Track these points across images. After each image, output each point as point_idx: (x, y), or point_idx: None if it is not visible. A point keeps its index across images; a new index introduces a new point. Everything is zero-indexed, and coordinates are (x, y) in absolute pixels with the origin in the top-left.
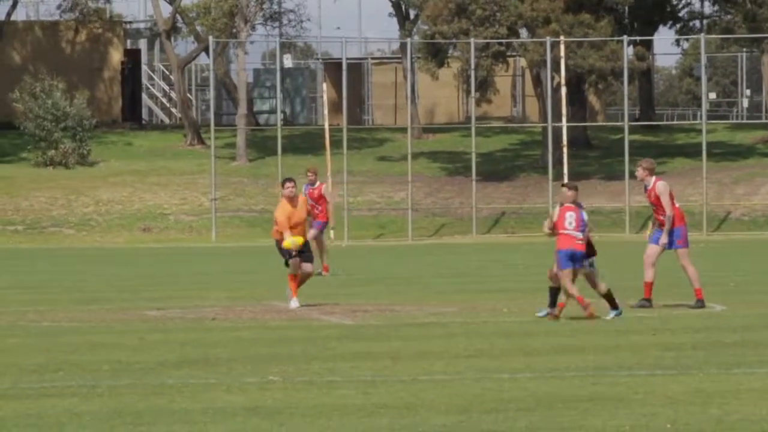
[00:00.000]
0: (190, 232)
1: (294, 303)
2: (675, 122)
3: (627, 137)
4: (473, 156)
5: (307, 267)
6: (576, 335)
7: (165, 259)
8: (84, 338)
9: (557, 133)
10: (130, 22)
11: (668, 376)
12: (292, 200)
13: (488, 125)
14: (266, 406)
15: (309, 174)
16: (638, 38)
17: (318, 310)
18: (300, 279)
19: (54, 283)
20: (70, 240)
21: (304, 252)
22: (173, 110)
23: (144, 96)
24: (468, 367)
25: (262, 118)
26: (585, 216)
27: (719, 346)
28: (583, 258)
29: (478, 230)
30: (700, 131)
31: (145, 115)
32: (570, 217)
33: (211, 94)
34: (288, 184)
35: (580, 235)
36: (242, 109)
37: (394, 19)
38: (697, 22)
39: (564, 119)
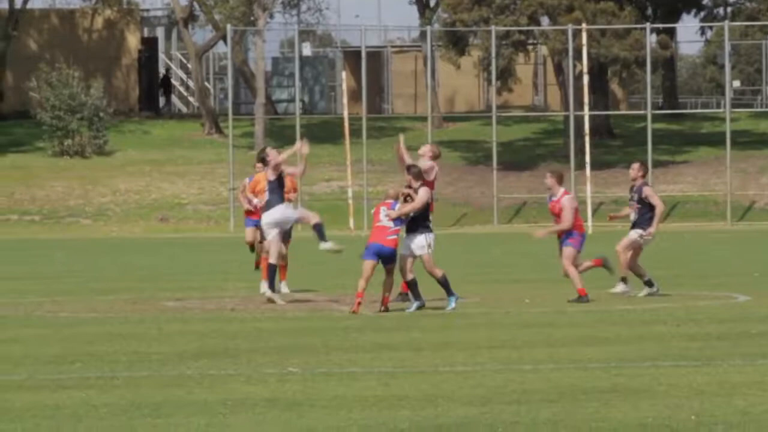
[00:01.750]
0: (208, 222)
1: (264, 287)
2: (698, 111)
3: (650, 126)
4: (494, 145)
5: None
6: (599, 326)
7: (183, 250)
8: (101, 329)
9: (579, 121)
10: (147, 10)
11: (692, 368)
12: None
13: (509, 114)
14: (286, 398)
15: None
16: (661, 26)
17: (338, 301)
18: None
19: (71, 274)
20: (87, 230)
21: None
22: (191, 99)
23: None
24: (490, 358)
25: (280, 107)
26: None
27: (744, 336)
28: (392, 255)
29: (499, 220)
30: (723, 120)
31: (162, 103)
32: (383, 211)
33: (229, 82)
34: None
35: (393, 226)
36: (260, 98)
37: (414, 7)
38: (721, 10)
39: (586, 108)
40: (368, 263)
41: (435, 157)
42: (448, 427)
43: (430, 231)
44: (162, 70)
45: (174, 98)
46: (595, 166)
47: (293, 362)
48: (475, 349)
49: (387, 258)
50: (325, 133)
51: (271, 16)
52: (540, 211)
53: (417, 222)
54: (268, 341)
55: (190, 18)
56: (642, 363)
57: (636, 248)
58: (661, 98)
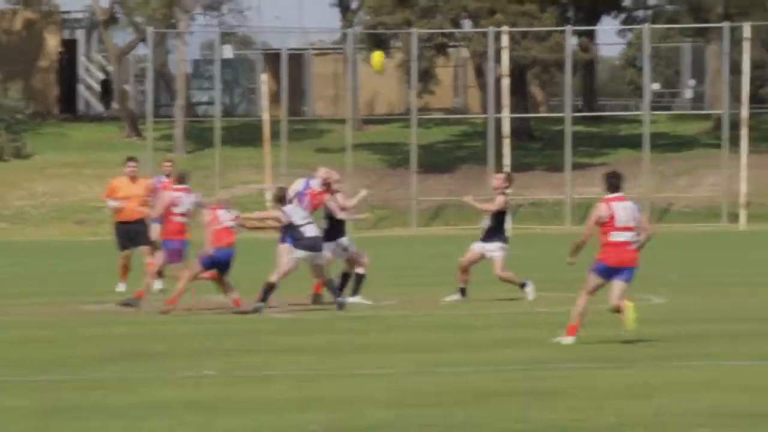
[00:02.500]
0: None
1: (120, 286)
2: (618, 113)
3: (569, 128)
4: (414, 147)
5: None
6: (516, 329)
7: (101, 253)
8: (19, 333)
9: (499, 124)
10: (68, 12)
11: (609, 369)
12: (133, 180)
13: (429, 116)
14: (202, 401)
15: (165, 164)
16: (582, 29)
17: (253, 303)
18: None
19: None
20: (5, 233)
21: (134, 238)
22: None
23: (81, 87)
24: (405, 360)
25: (200, 110)
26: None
27: (659, 338)
28: (231, 261)
29: (418, 223)
30: (642, 122)
31: (81, 106)
32: (224, 215)
33: (148, 85)
34: (130, 164)
35: (233, 227)
36: (180, 100)
37: (336, 9)
38: (641, 12)
39: (506, 110)
40: (203, 271)
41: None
42: (363, 430)
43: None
44: (81, 73)
45: (93, 100)
46: (514, 169)
47: (209, 365)
48: (391, 351)
49: (226, 265)
50: (245, 135)
51: (192, 19)
52: (459, 213)
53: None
54: (184, 345)
55: (111, 20)
56: (559, 365)
57: (476, 259)
58: (580, 101)
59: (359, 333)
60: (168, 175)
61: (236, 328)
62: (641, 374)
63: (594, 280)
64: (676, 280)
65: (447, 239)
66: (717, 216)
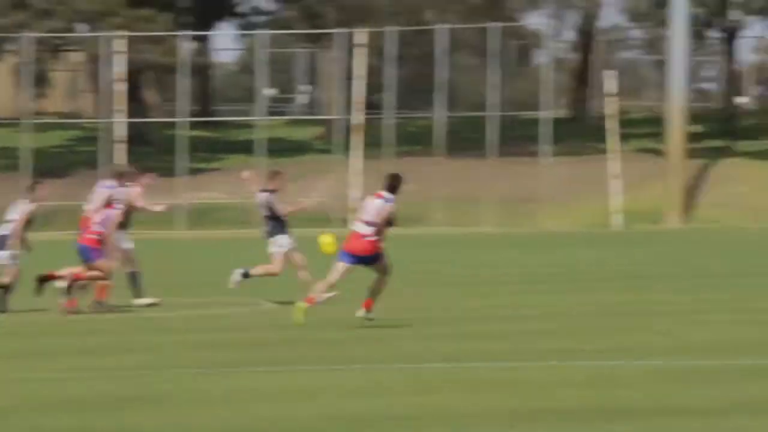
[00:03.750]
0: None
1: None
2: (233, 118)
3: (183, 133)
4: (28, 152)
5: None
6: (131, 334)
7: None
8: None
9: (114, 128)
10: None
11: (218, 375)
12: None
13: (43, 121)
14: None
15: None
16: (198, 33)
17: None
18: None
19: None
20: None
21: None
22: None
23: None
24: (16, 366)
25: None
26: None
27: (263, 344)
28: None
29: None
30: (258, 127)
31: None
32: None
33: None
34: None
35: None
36: None
37: None
38: (257, 18)
39: (120, 115)
40: None
41: None
42: None
43: None
44: None
45: None
46: None
47: None
48: None
49: None
50: None
51: None
52: (72, 218)
53: None
54: None
55: None
56: (163, 371)
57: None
58: (196, 105)
59: None
60: None
61: None
62: (244, 380)
63: None
64: (289, 285)
65: (56, 244)
66: (327, 221)
